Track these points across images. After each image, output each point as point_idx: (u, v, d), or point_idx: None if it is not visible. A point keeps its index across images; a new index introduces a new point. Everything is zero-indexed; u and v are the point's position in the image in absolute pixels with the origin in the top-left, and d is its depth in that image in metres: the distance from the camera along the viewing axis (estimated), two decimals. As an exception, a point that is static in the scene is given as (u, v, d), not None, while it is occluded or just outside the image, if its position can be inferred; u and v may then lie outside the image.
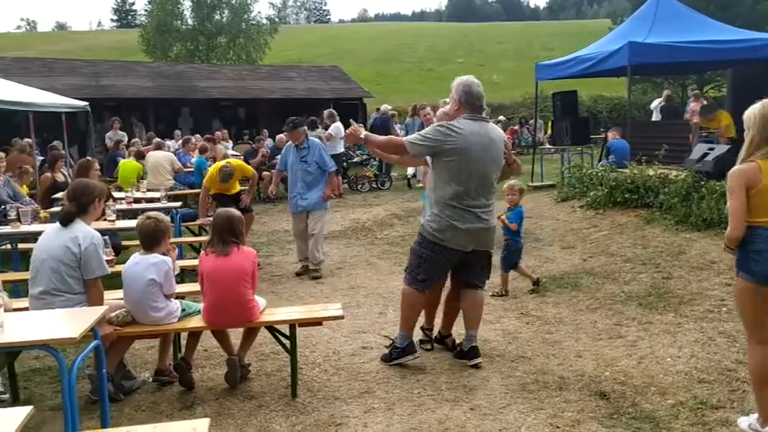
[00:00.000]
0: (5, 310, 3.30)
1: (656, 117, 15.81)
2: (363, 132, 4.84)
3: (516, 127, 24.14)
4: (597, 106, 26.48)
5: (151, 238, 4.32)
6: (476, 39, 57.17)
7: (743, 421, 3.69)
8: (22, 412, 2.01)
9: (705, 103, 13.11)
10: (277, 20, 44.41)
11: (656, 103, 16.62)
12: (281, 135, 15.76)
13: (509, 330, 5.44)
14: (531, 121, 21.03)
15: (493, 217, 4.69)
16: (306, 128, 7.93)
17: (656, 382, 4.24)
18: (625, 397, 4.06)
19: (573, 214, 9.17)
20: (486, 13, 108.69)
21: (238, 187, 8.56)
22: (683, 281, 6.13)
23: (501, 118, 25.21)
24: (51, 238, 4.10)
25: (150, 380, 4.53)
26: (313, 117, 14.40)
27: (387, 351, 4.88)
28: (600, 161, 11.63)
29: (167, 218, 4.62)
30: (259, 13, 42.03)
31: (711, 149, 8.28)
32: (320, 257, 7.75)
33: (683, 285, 6.03)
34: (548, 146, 15.79)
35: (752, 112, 3.51)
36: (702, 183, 7.68)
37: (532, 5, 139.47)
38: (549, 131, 16.01)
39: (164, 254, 4.35)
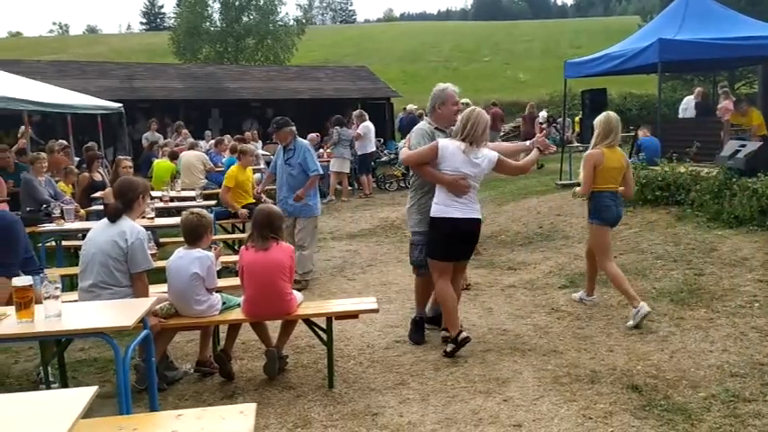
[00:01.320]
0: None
1: (688, 114, 15.65)
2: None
3: (543, 126, 24.02)
4: (627, 104, 26.24)
5: (194, 233, 4.48)
6: (502, 37, 56.92)
7: (575, 295, 6.07)
8: (88, 392, 2.14)
9: (734, 99, 12.97)
10: (303, 21, 44.60)
11: (686, 100, 16.43)
12: (312, 135, 15.96)
13: (540, 325, 5.50)
14: (560, 120, 20.89)
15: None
16: (293, 128, 7.40)
17: (689, 375, 4.29)
18: (657, 390, 4.11)
19: (603, 212, 9.15)
20: (512, 12, 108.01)
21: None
22: (715, 277, 6.14)
23: (543, 113, 24.92)
24: (99, 233, 4.28)
25: (192, 371, 4.69)
26: (339, 116, 14.48)
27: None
28: (630, 158, 11.58)
29: (209, 214, 4.78)
30: (287, 14, 42.34)
31: (743, 146, 8.23)
32: (309, 267, 7.30)
33: (715, 282, 6.04)
34: (576, 144, 15.73)
35: (598, 119, 5.71)
36: (734, 180, 7.64)
37: (559, 3, 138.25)
38: (578, 129, 15.94)
39: (209, 248, 4.52)
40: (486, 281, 6.99)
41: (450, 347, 4.89)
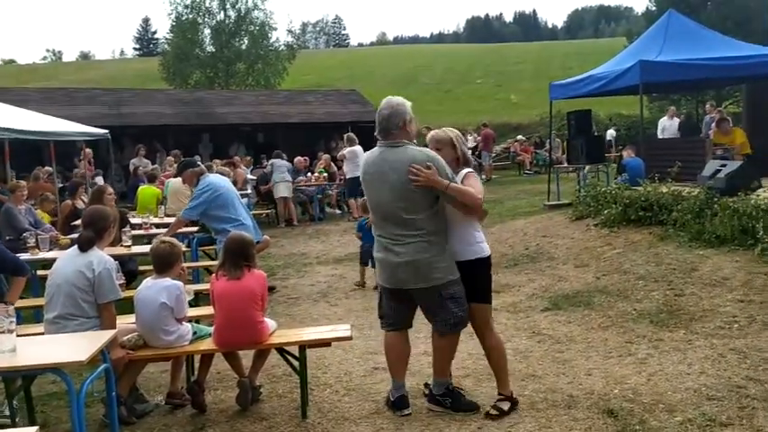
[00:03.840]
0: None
1: (667, 134, 15.82)
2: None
3: (531, 147, 24.20)
4: (614, 124, 26.39)
5: (165, 262, 4.43)
6: (494, 59, 57.33)
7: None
8: (28, 432, 2.08)
9: (719, 117, 13.06)
10: (296, 45, 44.88)
11: (662, 121, 16.61)
12: (299, 158, 16.01)
13: (520, 349, 5.44)
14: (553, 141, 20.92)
15: (409, 250, 4.07)
16: (195, 169, 7.16)
17: (665, 399, 4.23)
18: (633, 414, 4.05)
19: (587, 233, 9.14)
20: (503, 34, 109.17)
21: None
22: (695, 297, 6.11)
23: (519, 137, 25.25)
24: (66, 263, 4.23)
25: (163, 403, 4.60)
26: (278, 150, 14.82)
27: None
28: (615, 179, 11.62)
29: (180, 243, 4.74)
30: (278, 39, 42.54)
31: (723, 166, 8.25)
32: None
33: (695, 302, 6.01)
34: (564, 164, 15.78)
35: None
36: (715, 199, 7.64)
37: (550, 25, 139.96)
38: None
39: (176, 278, 4.46)
40: (469, 304, 6.93)
41: (506, 405, 4.25)
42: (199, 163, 7.47)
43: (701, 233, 7.40)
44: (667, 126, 16.23)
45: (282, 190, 14.09)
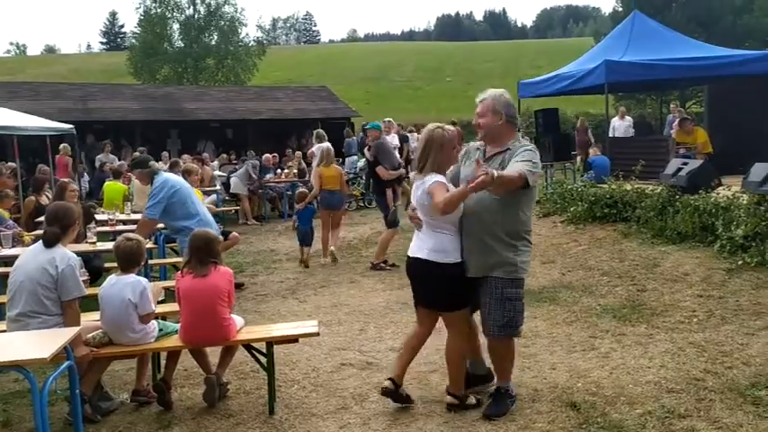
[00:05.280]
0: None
1: (617, 134, 16.00)
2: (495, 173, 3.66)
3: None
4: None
5: (131, 259, 4.39)
6: (463, 58, 57.73)
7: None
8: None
9: (680, 117, 13.31)
10: (266, 41, 44.64)
11: (613, 121, 16.72)
12: (267, 155, 15.94)
13: (486, 345, 5.49)
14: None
15: None
16: (149, 170, 6.80)
17: (626, 392, 4.33)
18: (595, 407, 4.14)
19: (554, 229, 9.27)
20: (473, 33, 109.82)
21: None
22: (657, 293, 6.25)
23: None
24: (29, 260, 4.17)
25: (128, 401, 4.56)
26: (249, 150, 14.94)
27: (501, 404, 4.23)
28: (582, 177, 11.80)
29: (146, 240, 4.70)
30: (247, 35, 42.22)
31: (685, 164, 8.44)
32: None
33: (657, 297, 6.15)
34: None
35: (320, 151, 10.31)
36: (677, 197, 7.82)
37: (519, 24, 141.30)
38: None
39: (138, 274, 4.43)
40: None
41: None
42: (152, 163, 7.08)
43: (664, 230, 7.57)
44: (617, 126, 16.41)
45: (234, 187, 14.19)
